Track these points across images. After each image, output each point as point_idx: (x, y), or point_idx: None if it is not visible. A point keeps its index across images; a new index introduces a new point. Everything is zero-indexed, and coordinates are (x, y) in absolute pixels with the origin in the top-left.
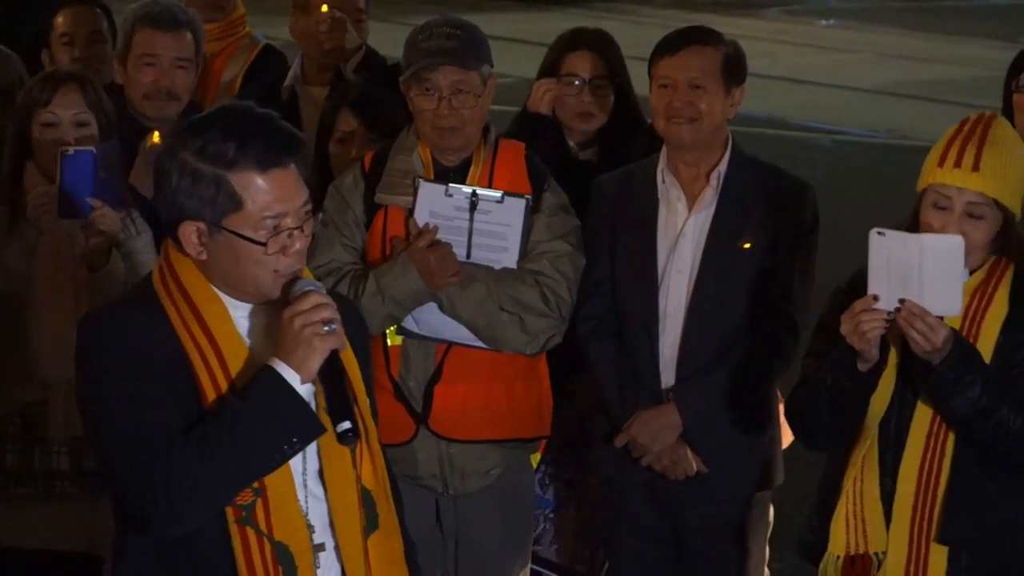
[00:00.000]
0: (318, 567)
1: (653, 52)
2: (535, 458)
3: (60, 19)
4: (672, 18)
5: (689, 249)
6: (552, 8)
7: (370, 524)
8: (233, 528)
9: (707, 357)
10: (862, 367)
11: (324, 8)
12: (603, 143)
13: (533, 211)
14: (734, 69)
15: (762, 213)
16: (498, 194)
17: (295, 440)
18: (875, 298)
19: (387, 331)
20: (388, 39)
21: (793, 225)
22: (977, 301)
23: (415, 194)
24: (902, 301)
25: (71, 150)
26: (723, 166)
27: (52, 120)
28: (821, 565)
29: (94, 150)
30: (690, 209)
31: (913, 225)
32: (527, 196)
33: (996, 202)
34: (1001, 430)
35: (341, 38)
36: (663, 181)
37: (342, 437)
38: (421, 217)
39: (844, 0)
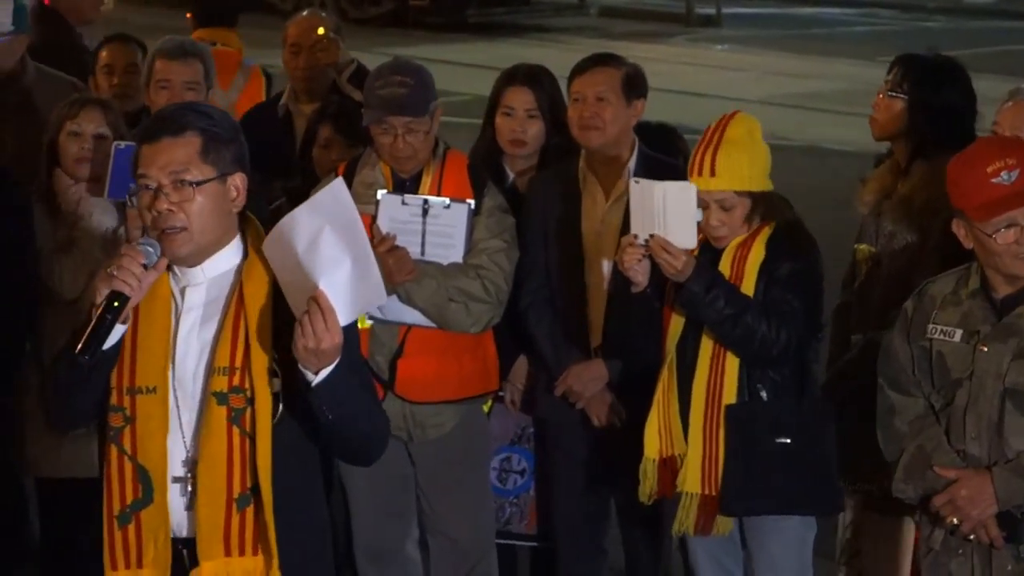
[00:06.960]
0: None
1: (570, 74)
2: (487, 406)
3: (103, 52)
4: (597, 47)
5: (609, 232)
6: (498, 39)
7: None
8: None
9: (628, 321)
10: (635, 291)
11: (320, 31)
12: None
13: (475, 213)
14: (634, 84)
15: None
16: (446, 201)
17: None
18: (635, 236)
19: (358, 317)
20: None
21: None
22: (740, 252)
23: (377, 204)
24: (652, 236)
25: (122, 144)
26: (632, 163)
27: (76, 130)
28: (641, 467)
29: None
30: (608, 199)
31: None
32: (469, 201)
33: (740, 192)
34: (748, 333)
35: (335, 54)
36: (584, 178)
37: None
38: (383, 224)
39: (734, 29)
